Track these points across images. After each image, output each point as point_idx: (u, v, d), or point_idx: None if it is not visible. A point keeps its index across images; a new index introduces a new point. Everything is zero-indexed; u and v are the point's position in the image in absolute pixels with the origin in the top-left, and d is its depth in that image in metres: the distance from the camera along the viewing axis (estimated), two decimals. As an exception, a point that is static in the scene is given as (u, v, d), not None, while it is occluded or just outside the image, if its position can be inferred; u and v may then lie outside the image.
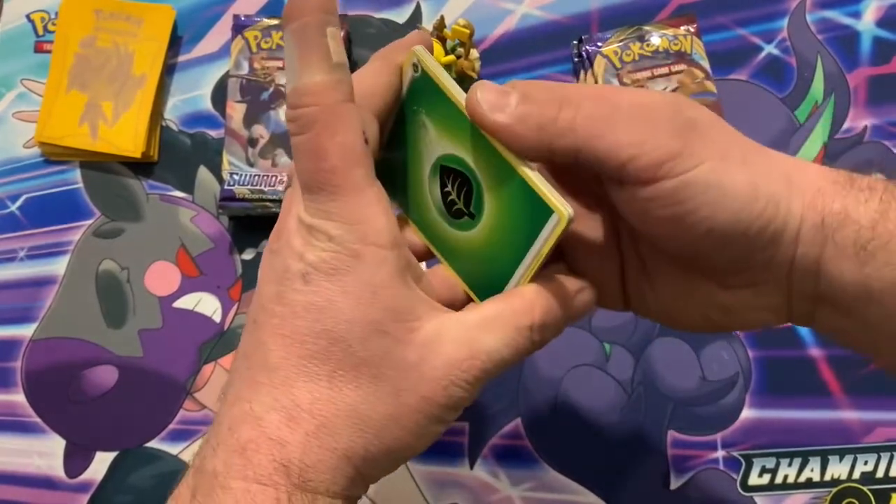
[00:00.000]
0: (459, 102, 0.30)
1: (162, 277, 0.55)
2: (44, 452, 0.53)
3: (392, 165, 0.33)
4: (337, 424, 0.28)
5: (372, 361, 0.28)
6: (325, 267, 0.28)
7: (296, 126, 0.28)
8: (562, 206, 0.29)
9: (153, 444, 0.53)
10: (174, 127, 0.58)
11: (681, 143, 0.27)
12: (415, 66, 0.31)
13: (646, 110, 0.28)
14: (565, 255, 0.33)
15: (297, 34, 0.27)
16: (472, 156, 0.31)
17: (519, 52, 0.58)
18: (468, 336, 0.29)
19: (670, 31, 0.55)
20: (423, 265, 0.33)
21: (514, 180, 0.30)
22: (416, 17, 0.59)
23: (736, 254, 0.29)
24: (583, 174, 0.32)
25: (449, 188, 0.32)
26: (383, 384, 0.28)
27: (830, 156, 0.56)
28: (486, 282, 0.32)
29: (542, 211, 0.29)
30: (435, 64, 0.31)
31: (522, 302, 0.30)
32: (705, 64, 0.55)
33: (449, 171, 0.32)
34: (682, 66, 0.54)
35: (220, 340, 0.54)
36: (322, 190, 0.28)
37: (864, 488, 0.50)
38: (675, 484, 0.51)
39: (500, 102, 0.28)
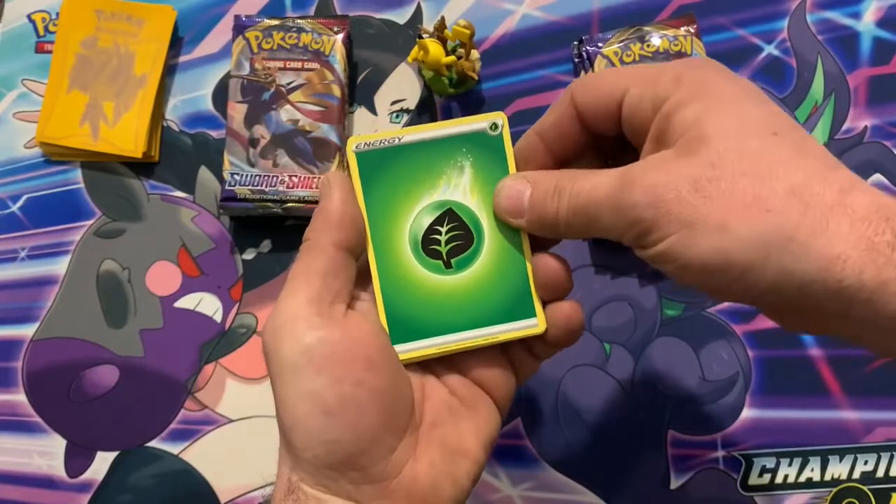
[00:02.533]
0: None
1: (163, 277, 0.55)
2: (44, 452, 0.53)
3: (391, 158, 0.35)
4: None
5: None
6: None
7: None
8: (544, 318, 0.34)
9: (154, 443, 0.53)
10: (175, 127, 0.58)
11: (651, 213, 0.28)
12: (494, 125, 0.34)
13: (622, 189, 0.29)
14: None
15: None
16: (490, 221, 0.34)
17: (519, 53, 0.58)
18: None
19: (670, 32, 0.55)
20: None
21: (517, 266, 0.34)
22: (416, 18, 0.59)
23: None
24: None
25: (440, 228, 0.34)
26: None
27: (830, 156, 0.56)
28: (410, 324, 0.34)
29: (525, 308, 0.34)
30: (508, 136, 0.35)
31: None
32: (705, 64, 0.55)
33: (453, 217, 0.34)
34: (682, 67, 0.54)
35: (221, 340, 0.54)
36: None
37: (865, 488, 0.51)
38: (675, 484, 0.51)
39: (517, 208, 0.33)
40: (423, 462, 0.32)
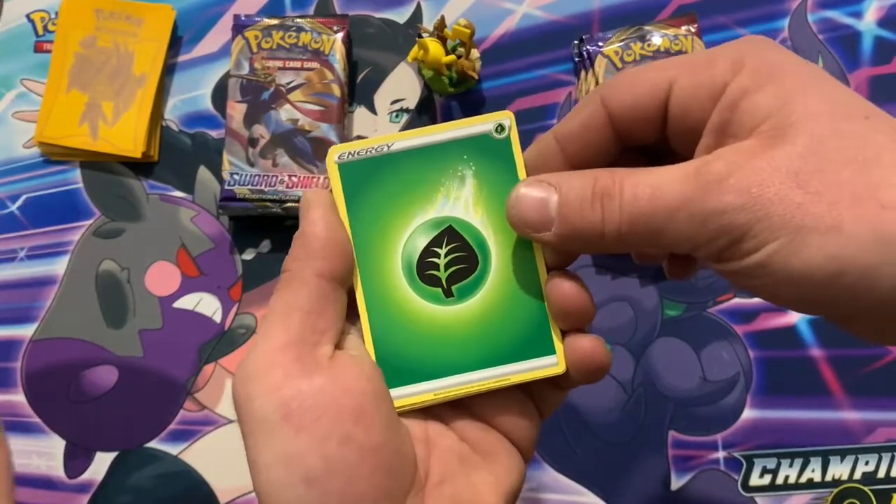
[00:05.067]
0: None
1: (162, 277, 0.55)
2: (44, 453, 0.53)
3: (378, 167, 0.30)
4: None
5: None
6: None
7: None
8: (563, 357, 0.29)
9: (153, 444, 0.53)
10: (174, 127, 0.58)
11: (745, 218, 0.23)
12: (501, 126, 0.29)
13: (703, 191, 0.24)
14: None
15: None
16: (498, 240, 0.29)
17: (520, 52, 0.58)
18: None
19: (671, 31, 0.55)
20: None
21: (531, 293, 0.29)
22: (416, 17, 0.59)
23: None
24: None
25: (438, 250, 0.29)
26: None
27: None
28: (405, 365, 0.29)
29: (541, 344, 0.29)
30: (517, 139, 0.30)
31: None
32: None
33: (453, 237, 0.29)
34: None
35: (221, 341, 0.54)
36: None
37: (866, 489, 0.50)
38: (675, 484, 0.51)
39: (542, 218, 0.27)
40: None
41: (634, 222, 0.25)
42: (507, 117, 0.29)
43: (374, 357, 0.29)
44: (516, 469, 0.30)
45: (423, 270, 0.29)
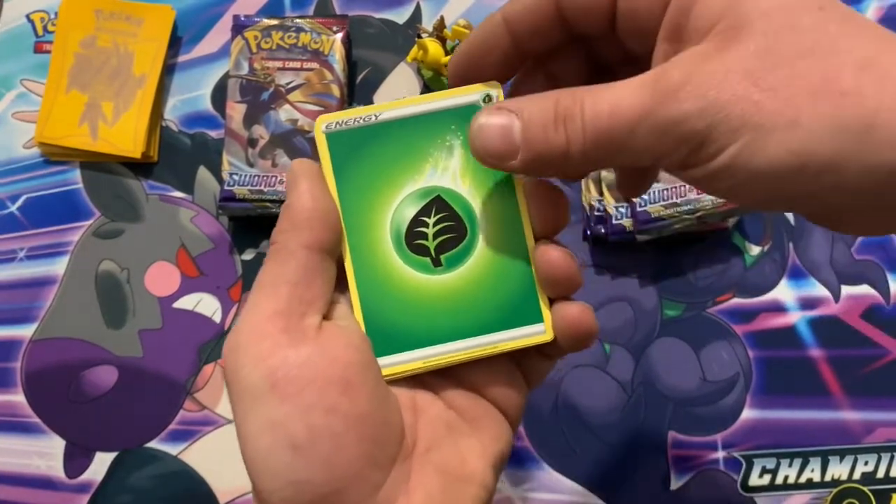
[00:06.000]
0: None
1: (162, 278, 0.55)
2: (44, 453, 0.53)
3: (366, 136, 0.30)
4: None
5: None
6: None
7: None
8: (551, 325, 0.29)
9: (153, 444, 0.53)
10: (174, 127, 0.58)
11: (704, 123, 0.23)
12: (488, 97, 0.29)
13: (661, 101, 0.24)
14: None
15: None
16: (485, 210, 0.29)
17: (519, 52, 0.58)
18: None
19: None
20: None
21: (519, 261, 0.29)
22: (415, 18, 0.59)
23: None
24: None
25: (426, 219, 0.29)
26: None
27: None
28: (394, 333, 0.29)
29: (529, 311, 0.29)
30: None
31: None
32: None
33: (441, 206, 0.29)
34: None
35: (220, 341, 0.54)
36: None
37: (865, 489, 0.50)
38: (675, 484, 0.51)
39: (506, 147, 0.26)
40: (418, 495, 0.27)
41: (598, 140, 0.25)
42: (495, 88, 0.29)
43: (363, 326, 0.29)
44: (504, 436, 0.30)
45: (412, 240, 0.29)
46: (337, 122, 0.29)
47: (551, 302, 0.30)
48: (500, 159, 0.27)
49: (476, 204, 0.29)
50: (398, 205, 0.29)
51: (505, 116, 0.26)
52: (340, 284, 0.29)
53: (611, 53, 0.29)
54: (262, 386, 0.26)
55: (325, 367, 0.26)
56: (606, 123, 0.24)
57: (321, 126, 0.29)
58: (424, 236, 0.29)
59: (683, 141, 0.23)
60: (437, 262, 0.29)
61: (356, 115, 0.29)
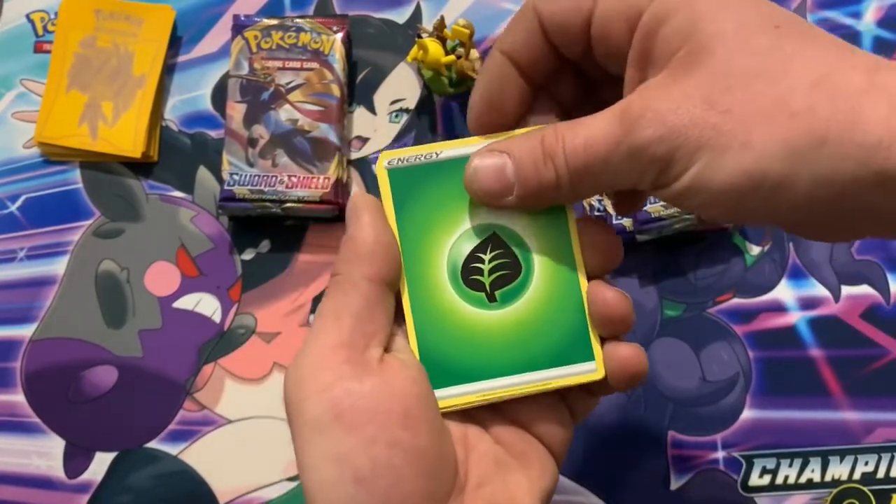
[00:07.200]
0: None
1: (162, 278, 0.55)
2: (43, 453, 0.53)
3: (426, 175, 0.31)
4: None
5: None
6: None
7: None
8: (602, 363, 0.30)
9: (153, 444, 0.53)
10: (174, 127, 0.58)
11: (665, 148, 0.24)
12: None
13: (626, 132, 0.25)
14: None
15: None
16: (540, 248, 0.30)
17: (519, 52, 0.58)
18: None
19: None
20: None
21: (572, 299, 0.30)
22: (416, 18, 0.59)
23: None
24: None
25: (482, 255, 0.30)
26: None
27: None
28: (449, 367, 0.30)
29: (581, 349, 0.30)
30: None
31: None
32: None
33: (497, 244, 0.30)
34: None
35: (220, 341, 0.54)
36: None
37: (865, 489, 0.50)
38: (675, 484, 0.51)
39: (503, 185, 0.28)
40: None
41: (578, 171, 0.27)
42: None
43: (418, 358, 0.30)
44: (549, 472, 0.31)
45: (468, 275, 0.30)
46: (399, 159, 0.30)
47: (603, 340, 0.30)
48: (497, 198, 0.28)
49: (531, 242, 0.30)
50: (455, 241, 0.30)
51: (497, 157, 0.28)
52: (397, 317, 0.30)
53: (600, 75, 0.30)
54: (325, 417, 0.26)
55: (387, 400, 0.26)
56: (583, 157, 0.26)
57: (384, 162, 0.30)
58: (480, 272, 0.30)
59: (650, 165, 0.25)
60: (491, 298, 0.30)
61: (418, 152, 0.30)
